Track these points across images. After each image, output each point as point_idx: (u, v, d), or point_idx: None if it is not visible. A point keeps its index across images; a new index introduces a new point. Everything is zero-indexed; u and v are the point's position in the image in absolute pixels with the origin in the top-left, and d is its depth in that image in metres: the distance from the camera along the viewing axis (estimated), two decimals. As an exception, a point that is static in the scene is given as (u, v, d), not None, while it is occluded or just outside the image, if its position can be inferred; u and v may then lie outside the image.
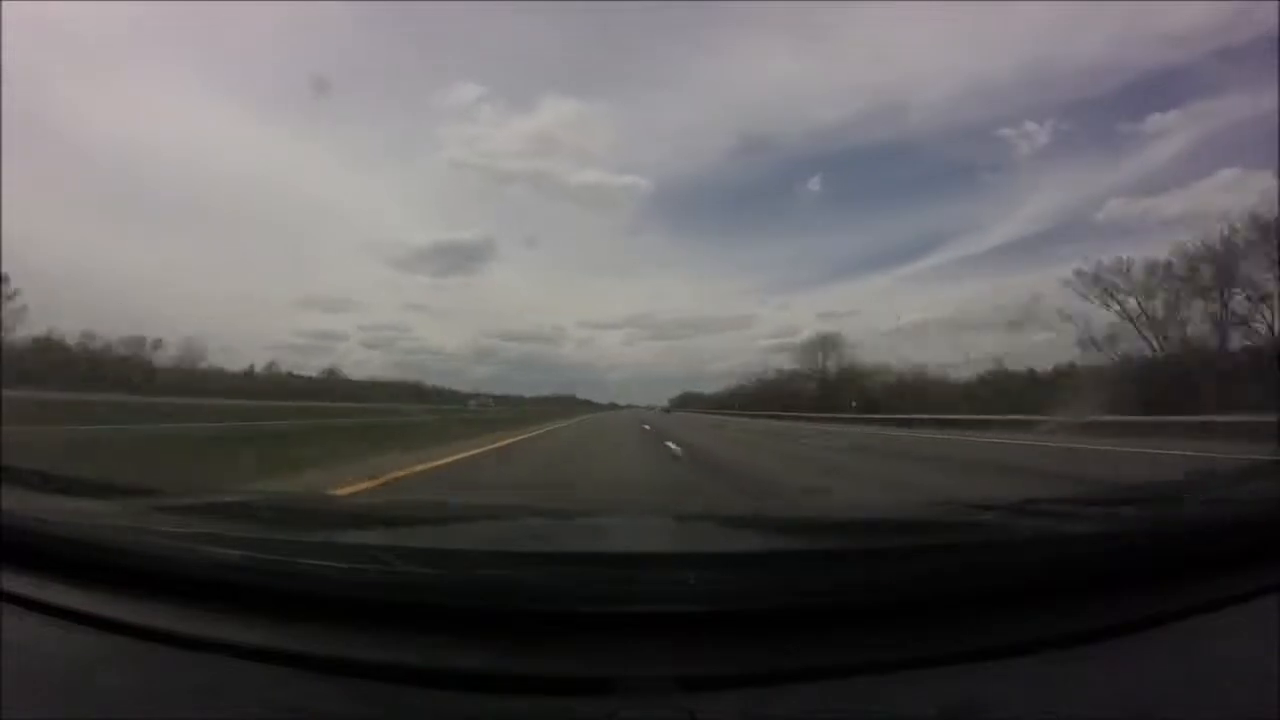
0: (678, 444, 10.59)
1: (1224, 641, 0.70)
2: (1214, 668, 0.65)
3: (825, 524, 1.37)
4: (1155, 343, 24.54)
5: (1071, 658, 0.64)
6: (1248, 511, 1.02)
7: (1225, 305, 22.99)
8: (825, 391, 44.63)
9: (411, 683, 0.58)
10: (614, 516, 1.54)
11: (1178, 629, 0.70)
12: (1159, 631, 0.69)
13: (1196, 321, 23.81)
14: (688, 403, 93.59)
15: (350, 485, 4.77)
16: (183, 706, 0.57)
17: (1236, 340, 22.67)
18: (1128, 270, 25.67)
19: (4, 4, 32.43)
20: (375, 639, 0.62)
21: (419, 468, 6.21)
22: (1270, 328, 21.74)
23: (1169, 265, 24.58)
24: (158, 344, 40.29)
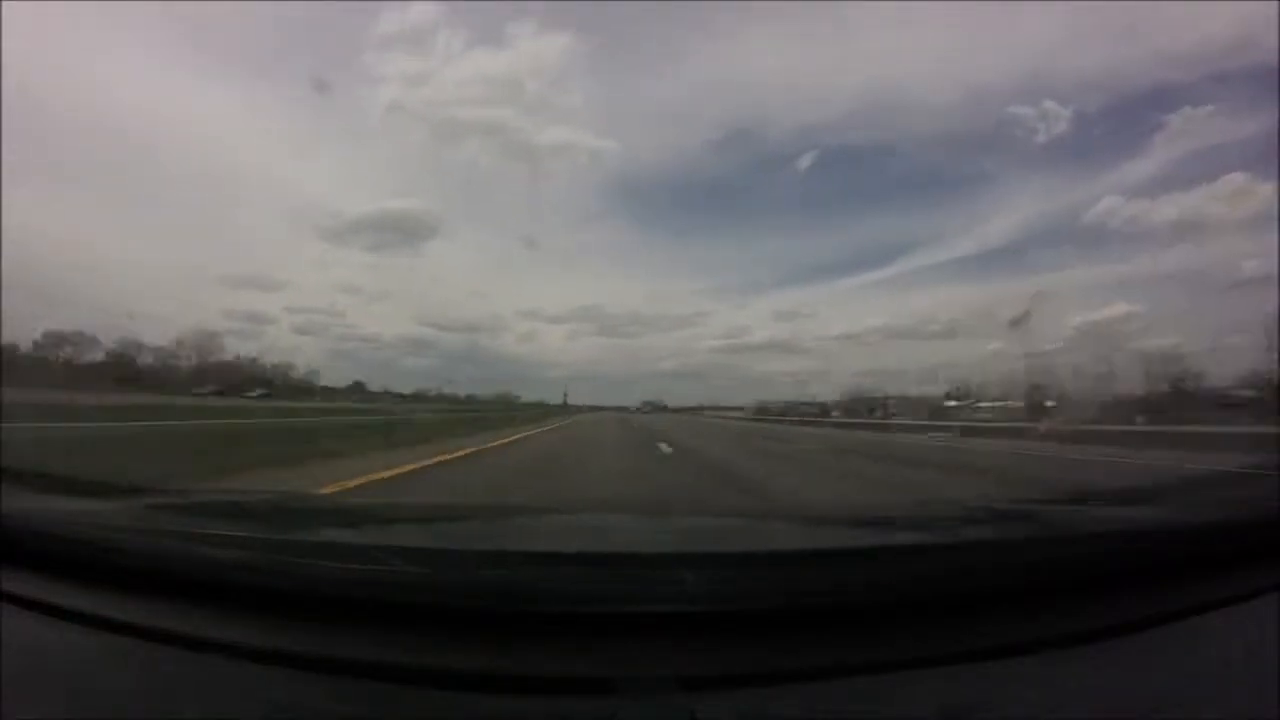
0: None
1: (1224, 641, 0.70)
2: (1214, 668, 0.66)
3: (825, 524, 1.37)
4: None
5: (1071, 658, 0.64)
6: (1247, 512, 1.02)
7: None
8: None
9: (411, 683, 0.58)
10: (613, 517, 1.54)
11: (1178, 629, 0.70)
12: (1159, 631, 0.69)
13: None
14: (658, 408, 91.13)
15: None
16: (182, 706, 0.57)
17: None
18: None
19: (3, 4, 32.39)
20: (375, 639, 0.62)
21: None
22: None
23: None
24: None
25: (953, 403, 40.41)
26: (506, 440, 12.25)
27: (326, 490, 4.34)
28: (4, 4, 35.98)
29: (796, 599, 0.67)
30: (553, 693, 0.58)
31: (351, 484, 5.08)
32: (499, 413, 26.99)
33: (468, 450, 9.26)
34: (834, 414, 44.72)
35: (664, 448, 10.76)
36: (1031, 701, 0.58)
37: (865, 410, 42.30)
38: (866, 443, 14.90)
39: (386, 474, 5.85)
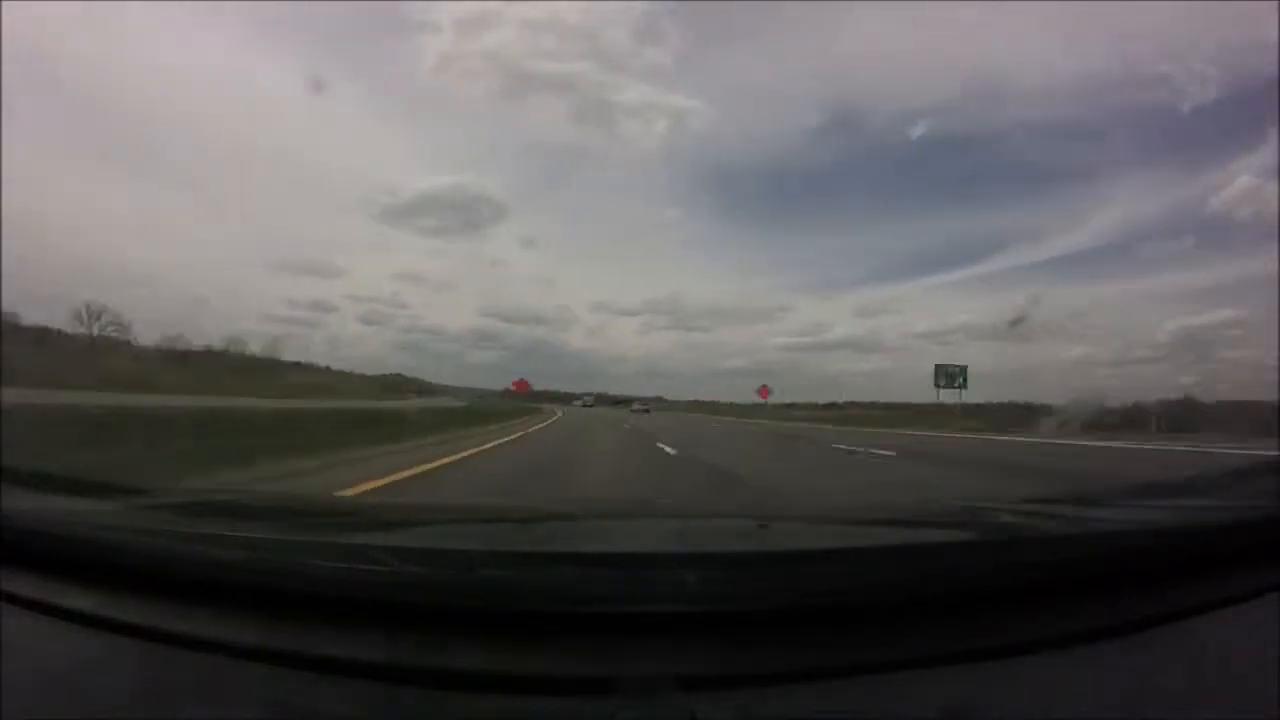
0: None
1: (1224, 641, 0.70)
2: (1214, 668, 0.66)
3: (825, 524, 1.37)
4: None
5: (1071, 658, 0.64)
6: (1248, 511, 1.02)
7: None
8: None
9: (411, 683, 0.58)
10: (613, 517, 1.54)
11: (1178, 629, 0.70)
12: (1159, 631, 0.69)
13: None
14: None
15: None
16: (182, 706, 0.57)
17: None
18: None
19: (3, 4, 32.44)
20: (375, 639, 0.62)
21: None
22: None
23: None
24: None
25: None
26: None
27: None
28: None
29: (796, 599, 0.67)
30: (553, 693, 0.58)
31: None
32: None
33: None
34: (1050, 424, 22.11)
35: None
36: (1031, 701, 0.58)
37: (1127, 421, 21.29)
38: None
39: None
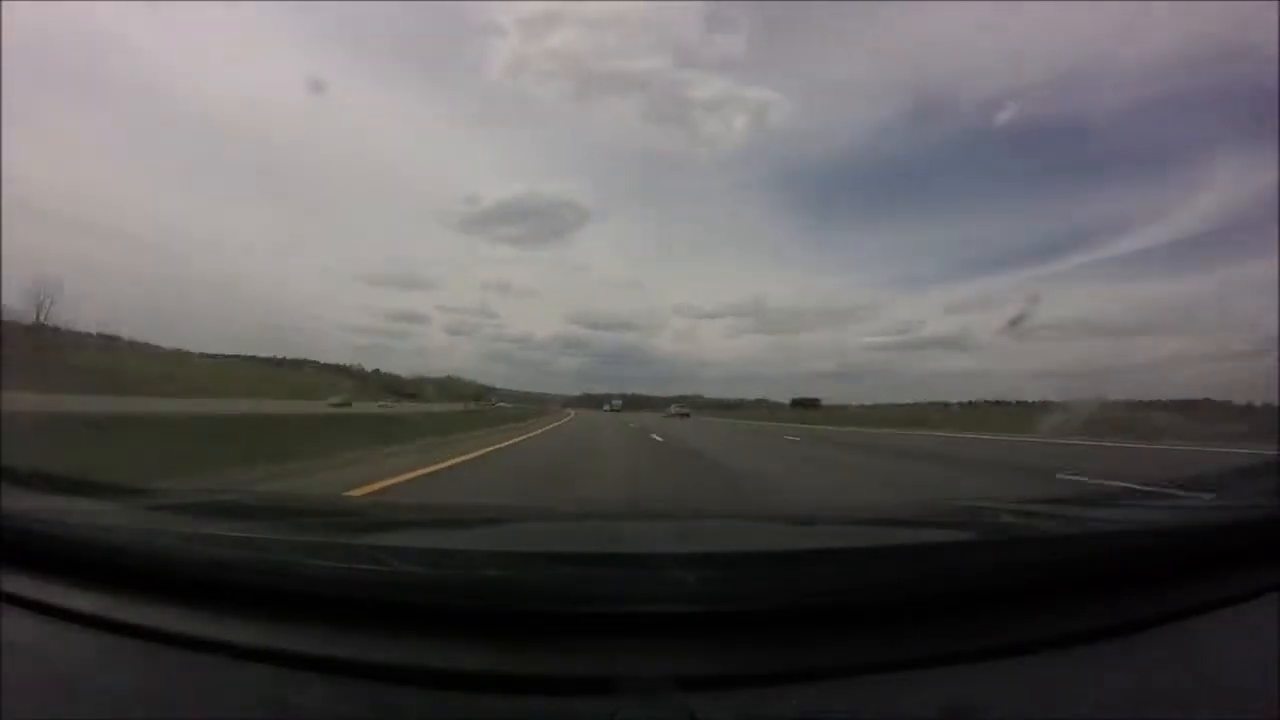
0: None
1: (1224, 641, 0.70)
2: (1214, 668, 0.66)
3: (825, 524, 1.37)
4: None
5: (1071, 658, 0.64)
6: (1247, 511, 1.02)
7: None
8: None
9: (411, 683, 0.58)
10: (613, 517, 1.54)
11: (1178, 629, 0.70)
12: (1159, 631, 0.69)
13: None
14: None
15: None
16: (183, 706, 0.57)
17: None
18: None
19: (3, 4, 32.49)
20: (375, 639, 0.62)
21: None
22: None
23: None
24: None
25: None
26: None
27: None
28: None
29: (796, 599, 0.67)
30: (553, 693, 0.58)
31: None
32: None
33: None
34: None
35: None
36: (1031, 701, 0.58)
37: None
38: None
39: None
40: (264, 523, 1.09)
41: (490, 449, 10.14)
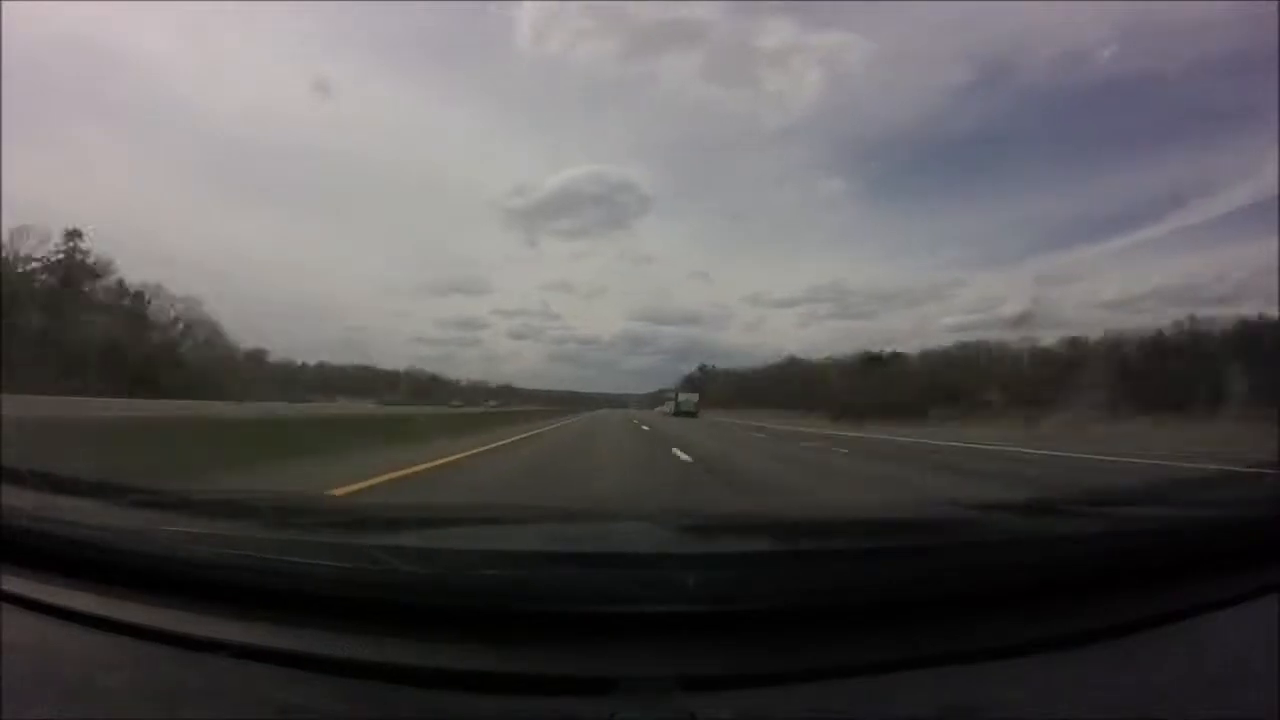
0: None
1: (1224, 641, 0.70)
2: (1214, 668, 0.65)
3: (824, 524, 1.37)
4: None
5: (1071, 658, 0.64)
6: (1248, 511, 1.02)
7: None
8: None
9: (411, 683, 0.58)
10: (613, 517, 1.54)
11: (1178, 629, 0.70)
12: (1159, 631, 0.69)
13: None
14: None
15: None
16: (183, 706, 0.57)
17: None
18: None
19: (4, 4, 32.53)
20: (375, 639, 0.62)
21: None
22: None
23: None
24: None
25: None
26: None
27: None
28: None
29: (796, 599, 0.67)
30: (553, 693, 0.58)
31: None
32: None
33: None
34: None
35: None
36: (1031, 701, 0.58)
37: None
38: None
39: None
40: (264, 522, 1.09)
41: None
